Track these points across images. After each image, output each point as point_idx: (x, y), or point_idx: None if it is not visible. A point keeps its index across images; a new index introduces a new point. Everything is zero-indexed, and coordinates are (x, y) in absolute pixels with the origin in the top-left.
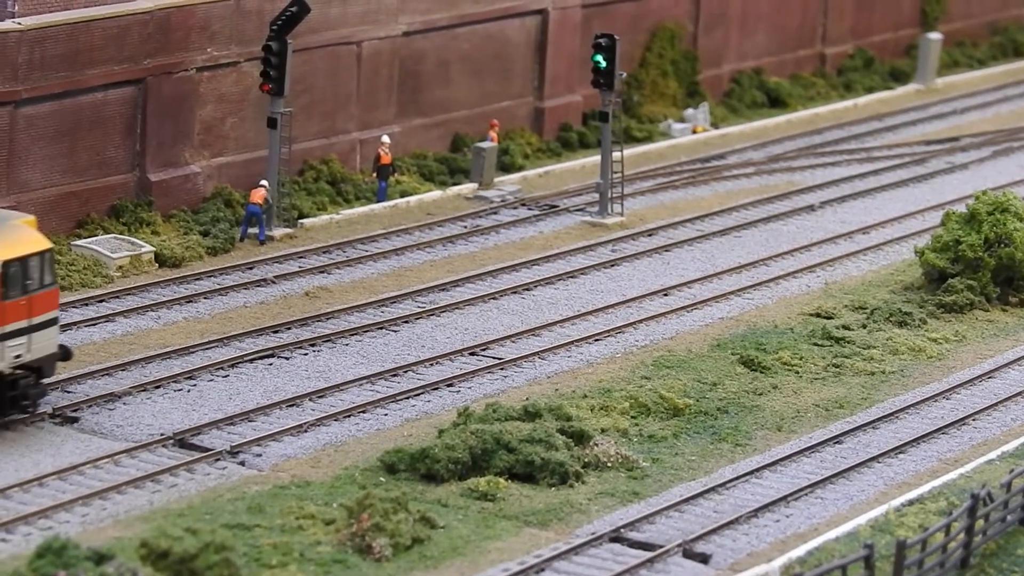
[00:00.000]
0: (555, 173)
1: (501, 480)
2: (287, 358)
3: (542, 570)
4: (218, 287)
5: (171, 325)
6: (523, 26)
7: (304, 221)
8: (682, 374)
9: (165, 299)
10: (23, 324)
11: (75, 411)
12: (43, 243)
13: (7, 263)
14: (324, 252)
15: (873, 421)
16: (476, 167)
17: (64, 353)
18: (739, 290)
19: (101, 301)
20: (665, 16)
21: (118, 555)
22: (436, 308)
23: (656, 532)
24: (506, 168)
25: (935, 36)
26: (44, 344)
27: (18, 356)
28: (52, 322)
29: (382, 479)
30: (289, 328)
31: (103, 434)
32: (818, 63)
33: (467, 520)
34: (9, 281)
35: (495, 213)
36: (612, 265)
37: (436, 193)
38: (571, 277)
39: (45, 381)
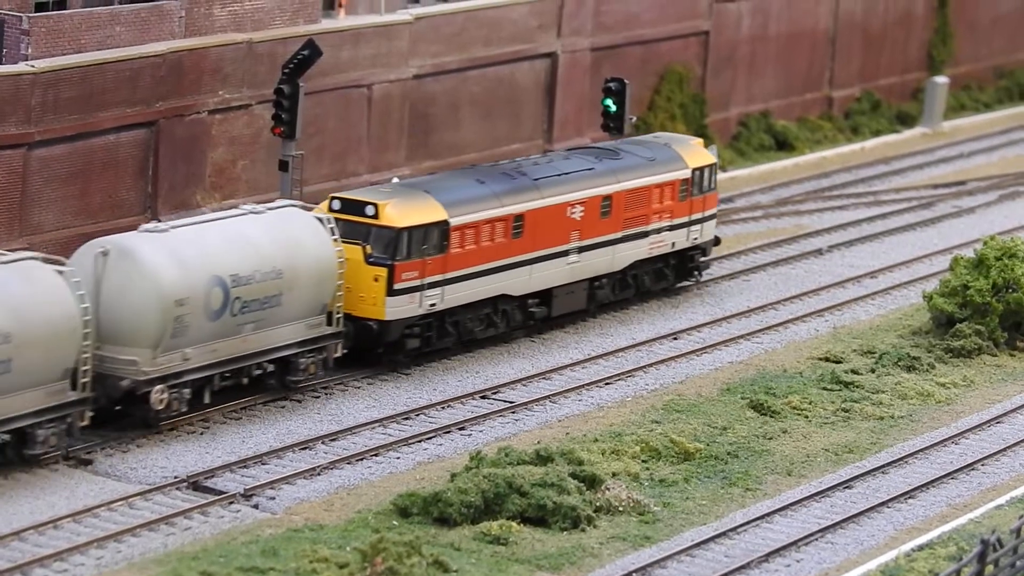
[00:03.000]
0: None
1: (513, 524)
2: (299, 401)
3: None
4: None
5: None
6: (533, 69)
7: None
8: (692, 418)
9: None
10: (699, 215)
11: (89, 453)
12: (712, 158)
13: (694, 170)
14: None
15: (882, 466)
16: None
17: (716, 240)
18: (748, 334)
19: None
20: (674, 59)
21: None
22: (448, 352)
23: None
24: None
25: (942, 80)
26: (707, 232)
27: (695, 239)
28: (712, 216)
29: (395, 523)
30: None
31: (117, 477)
32: (825, 106)
33: (480, 564)
34: (696, 183)
35: None
36: (622, 309)
37: None
38: (581, 321)
39: (702, 259)
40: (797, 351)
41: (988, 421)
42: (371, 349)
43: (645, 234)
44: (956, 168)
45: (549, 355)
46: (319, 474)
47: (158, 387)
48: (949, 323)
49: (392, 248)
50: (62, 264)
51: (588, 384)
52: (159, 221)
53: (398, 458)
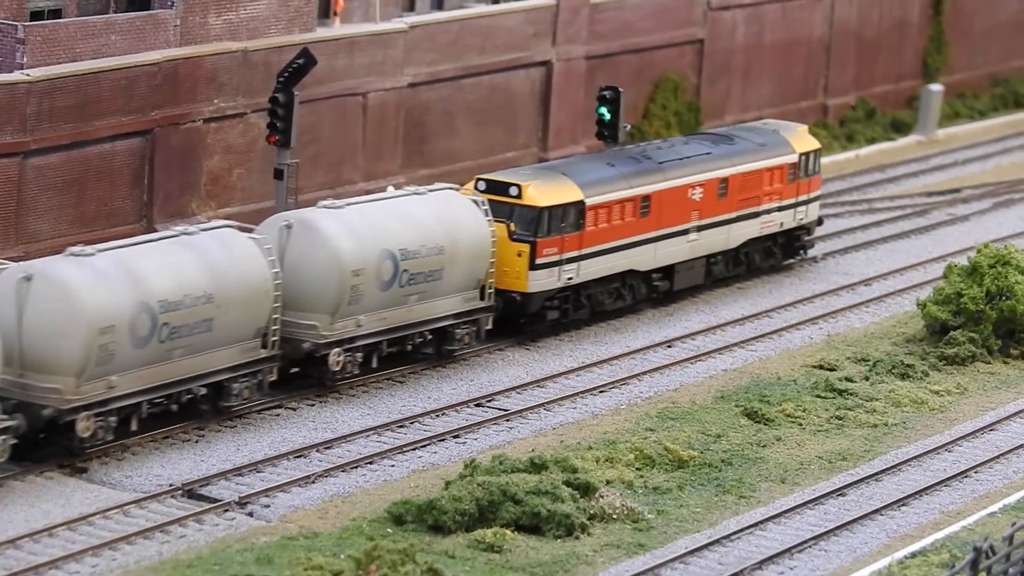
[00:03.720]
0: None
1: (507, 532)
2: (294, 409)
3: None
4: None
5: None
6: (528, 77)
7: None
8: (686, 426)
9: None
10: (804, 197)
11: (84, 462)
12: (815, 143)
13: (801, 155)
14: None
15: (876, 473)
16: None
17: (819, 220)
18: (742, 342)
19: None
20: (669, 68)
21: None
22: (443, 360)
23: None
24: None
25: (936, 88)
26: (811, 212)
27: (801, 219)
28: (816, 198)
29: (389, 530)
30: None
31: (112, 485)
32: (820, 114)
33: (474, 571)
34: (802, 167)
35: None
36: (616, 317)
37: None
38: (576, 329)
39: (807, 238)
40: (791, 359)
41: (981, 428)
42: (514, 319)
43: (757, 214)
44: (951, 176)
45: (543, 363)
46: (314, 482)
47: (335, 350)
48: (943, 331)
49: (534, 226)
50: (252, 232)
51: (582, 392)
52: (328, 203)
53: (393, 466)
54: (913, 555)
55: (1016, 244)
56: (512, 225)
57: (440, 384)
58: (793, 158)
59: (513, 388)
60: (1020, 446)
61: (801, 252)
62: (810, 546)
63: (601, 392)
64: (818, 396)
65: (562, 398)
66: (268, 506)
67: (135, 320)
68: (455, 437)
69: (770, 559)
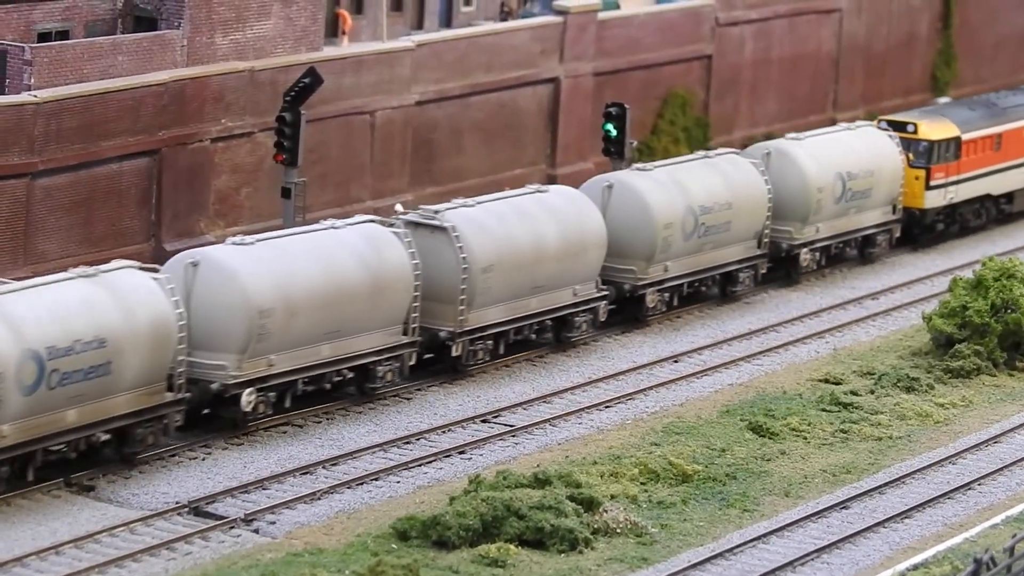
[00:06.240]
0: None
1: (511, 547)
2: (300, 426)
3: None
4: None
5: None
6: (535, 94)
7: None
8: (691, 440)
9: None
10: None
11: (91, 480)
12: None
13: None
14: None
15: (880, 486)
16: None
17: None
18: (748, 356)
19: None
20: (676, 83)
21: None
22: (449, 376)
23: None
24: None
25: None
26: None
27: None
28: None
29: (394, 546)
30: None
31: (119, 503)
32: None
33: None
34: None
35: None
36: (623, 332)
37: None
38: (582, 344)
39: None
40: (797, 373)
41: (986, 441)
42: (912, 231)
43: None
44: None
45: (550, 378)
46: (319, 498)
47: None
48: (948, 344)
49: (927, 155)
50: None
51: (588, 407)
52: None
53: (398, 482)
54: (915, 567)
55: (1021, 257)
56: (911, 155)
57: (446, 400)
58: None
59: (519, 404)
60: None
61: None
62: (813, 559)
63: (607, 407)
64: (823, 410)
65: (568, 413)
66: (274, 523)
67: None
68: (460, 453)
69: (772, 572)
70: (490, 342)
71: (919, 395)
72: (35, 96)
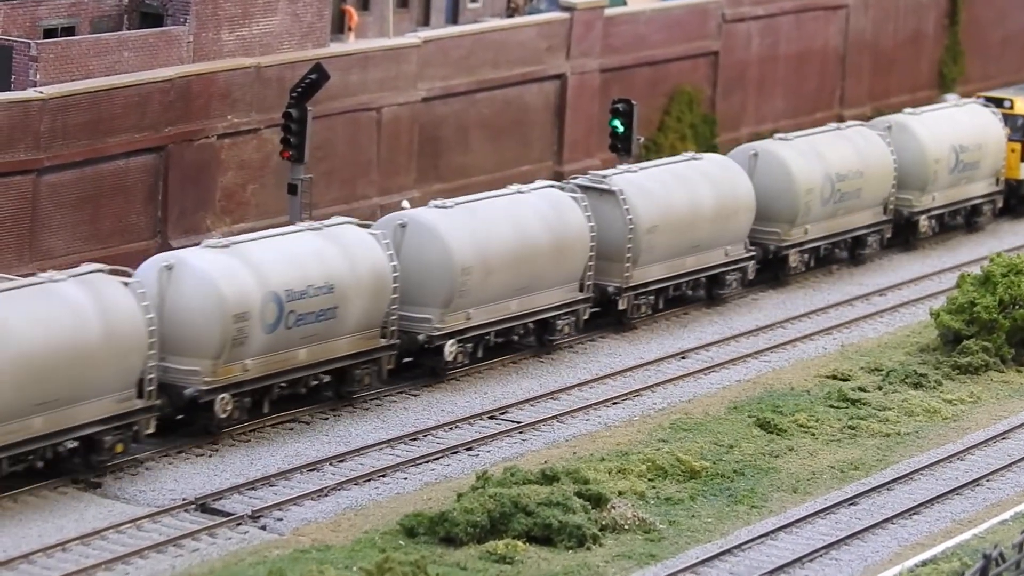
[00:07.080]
0: None
1: (519, 543)
2: (308, 423)
3: None
4: None
5: None
6: (542, 91)
7: None
8: (699, 437)
9: None
10: None
11: (98, 476)
12: None
13: None
14: None
15: (888, 483)
16: None
17: None
18: (756, 353)
19: None
20: (683, 80)
21: None
22: (455, 373)
23: None
24: None
25: (952, 98)
26: None
27: None
28: None
29: (402, 543)
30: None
31: (125, 499)
32: None
33: None
34: None
35: None
36: (630, 328)
37: None
38: (589, 340)
39: None
40: (804, 369)
41: (994, 437)
42: (1010, 202)
43: None
44: None
45: (557, 375)
46: (327, 495)
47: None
48: (956, 340)
49: (1022, 129)
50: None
51: (595, 404)
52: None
53: (405, 479)
54: (924, 563)
55: None
56: (1008, 129)
57: (454, 397)
58: None
59: (526, 400)
60: None
61: None
62: (821, 555)
63: (614, 404)
64: (831, 406)
65: (575, 410)
66: (281, 519)
67: None
68: (468, 450)
69: (780, 568)
70: (652, 297)
71: (927, 391)
72: (41, 92)
